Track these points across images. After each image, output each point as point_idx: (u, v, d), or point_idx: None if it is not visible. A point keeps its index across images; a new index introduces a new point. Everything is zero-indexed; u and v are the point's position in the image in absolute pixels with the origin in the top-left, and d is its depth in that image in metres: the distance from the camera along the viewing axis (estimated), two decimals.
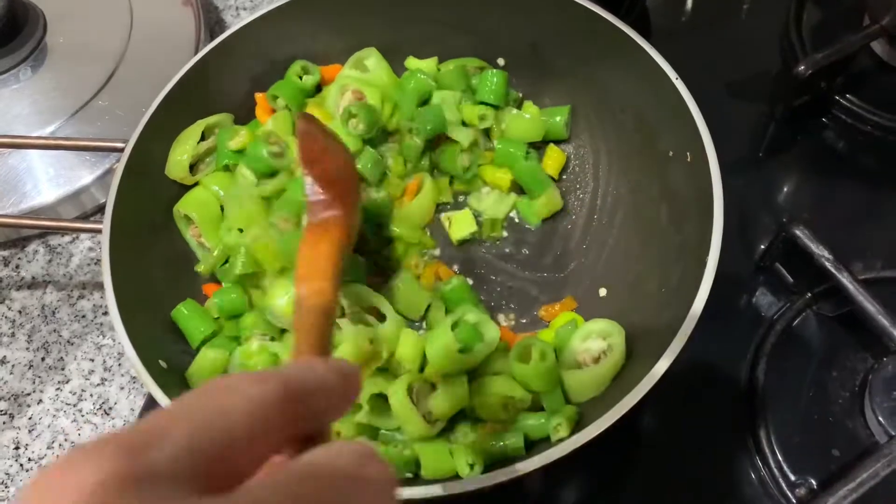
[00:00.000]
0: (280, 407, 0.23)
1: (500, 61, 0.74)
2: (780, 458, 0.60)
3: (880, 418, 0.59)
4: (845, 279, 0.62)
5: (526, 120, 0.70)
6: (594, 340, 0.58)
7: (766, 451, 0.61)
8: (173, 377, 0.55)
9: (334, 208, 0.49)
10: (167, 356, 0.57)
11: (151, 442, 0.20)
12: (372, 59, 0.72)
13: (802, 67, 0.71)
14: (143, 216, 0.63)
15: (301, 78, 0.72)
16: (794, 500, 0.59)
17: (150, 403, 0.67)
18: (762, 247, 0.70)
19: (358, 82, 0.70)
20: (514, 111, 0.70)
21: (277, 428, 0.23)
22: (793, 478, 0.60)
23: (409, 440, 0.55)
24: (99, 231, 0.60)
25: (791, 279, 0.68)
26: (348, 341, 0.56)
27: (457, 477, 0.52)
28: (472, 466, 0.53)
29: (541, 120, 0.70)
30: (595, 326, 0.59)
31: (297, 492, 0.21)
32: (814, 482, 0.59)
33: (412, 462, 0.54)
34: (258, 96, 0.72)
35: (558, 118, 0.70)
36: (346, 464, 0.23)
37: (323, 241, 0.46)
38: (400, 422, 0.54)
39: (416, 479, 0.54)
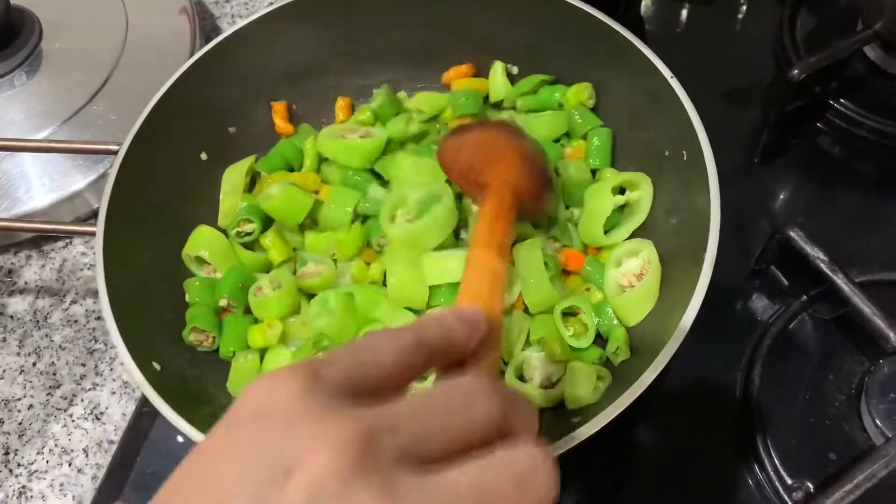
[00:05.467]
0: (414, 350, 0.31)
1: (514, 69, 0.74)
2: (776, 461, 0.60)
3: (877, 420, 0.58)
4: (841, 281, 0.62)
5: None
6: (628, 261, 0.61)
7: (763, 454, 0.60)
8: (167, 379, 0.55)
9: (486, 185, 0.51)
10: (161, 358, 0.56)
11: (323, 368, 0.29)
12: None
13: (796, 71, 0.71)
14: (137, 219, 0.62)
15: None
16: None
17: (142, 408, 0.67)
18: (756, 252, 0.70)
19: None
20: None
21: (413, 366, 0.31)
22: (790, 481, 0.59)
23: None
24: (92, 234, 0.59)
25: (786, 282, 0.68)
26: None
27: None
28: None
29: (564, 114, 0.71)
30: (623, 249, 0.62)
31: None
32: (811, 485, 0.59)
33: None
34: (275, 105, 0.74)
35: (582, 121, 0.70)
36: (510, 477, 0.27)
37: (489, 212, 0.48)
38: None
39: None
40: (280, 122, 0.75)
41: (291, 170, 0.72)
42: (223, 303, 0.64)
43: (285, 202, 0.66)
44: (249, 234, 0.67)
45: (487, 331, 0.36)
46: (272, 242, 0.66)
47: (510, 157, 0.52)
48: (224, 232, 0.68)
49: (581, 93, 0.70)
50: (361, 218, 0.67)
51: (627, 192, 0.65)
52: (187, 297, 0.65)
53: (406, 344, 0.31)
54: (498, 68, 0.73)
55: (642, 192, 0.63)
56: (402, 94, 0.75)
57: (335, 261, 0.66)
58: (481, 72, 0.75)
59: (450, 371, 0.35)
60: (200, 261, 0.66)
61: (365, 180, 0.68)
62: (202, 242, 0.66)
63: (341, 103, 0.76)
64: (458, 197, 0.64)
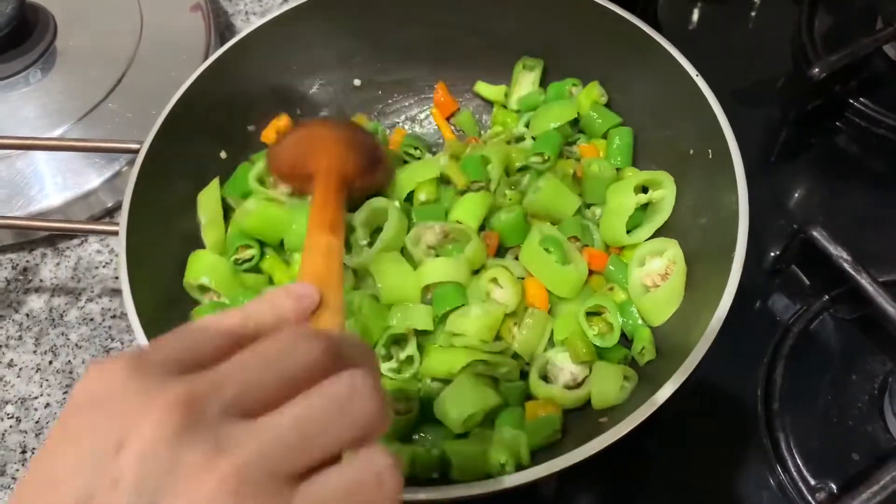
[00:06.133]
0: (240, 327, 0.31)
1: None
2: (799, 462, 0.60)
3: None
4: (864, 281, 0.61)
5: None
6: (653, 261, 0.61)
7: (785, 455, 0.60)
8: None
9: (311, 175, 0.51)
10: None
11: (149, 351, 0.30)
12: None
13: (817, 70, 0.71)
14: (158, 217, 0.62)
15: None
16: None
17: None
18: (776, 252, 0.69)
19: None
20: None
21: (240, 338, 0.31)
22: (812, 482, 0.59)
23: (437, 440, 0.55)
24: (114, 233, 0.59)
25: (808, 282, 0.67)
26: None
27: (487, 477, 0.50)
28: (503, 466, 0.52)
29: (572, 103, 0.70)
30: (647, 248, 0.62)
31: None
32: (834, 486, 0.59)
33: (440, 462, 0.54)
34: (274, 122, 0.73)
35: (601, 121, 0.69)
36: (330, 404, 0.29)
37: (318, 198, 0.48)
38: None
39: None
40: (270, 137, 0.73)
41: None
42: None
43: (261, 219, 0.64)
44: (249, 259, 0.65)
45: (321, 299, 0.36)
46: (273, 265, 0.65)
47: (329, 145, 0.53)
48: None
49: (592, 92, 0.69)
50: None
51: (650, 191, 0.64)
52: None
53: (233, 323, 0.32)
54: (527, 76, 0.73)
55: (665, 191, 0.63)
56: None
57: (354, 271, 0.65)
58: (501, 68, 0.75)
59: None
60: (203, 287, 0.64)
61: None
62: (203, 269, 0.63)
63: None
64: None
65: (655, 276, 0.60)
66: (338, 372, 0.30)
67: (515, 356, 0.59)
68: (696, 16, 0.89)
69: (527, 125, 0.72)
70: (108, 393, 0.28)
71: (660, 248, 0.61)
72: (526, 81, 0.74)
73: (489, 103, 0.77)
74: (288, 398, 0.29)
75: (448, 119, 0.78)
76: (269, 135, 0.73)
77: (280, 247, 0.66)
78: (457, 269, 0.60)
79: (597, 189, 0.66)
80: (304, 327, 0.33)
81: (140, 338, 0.54)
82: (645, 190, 0.65)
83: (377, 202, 0.64)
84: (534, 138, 0.70)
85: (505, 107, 0.75)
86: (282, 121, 0.73)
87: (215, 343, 0.30)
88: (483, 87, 0.76)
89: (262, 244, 0.66)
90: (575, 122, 0.70)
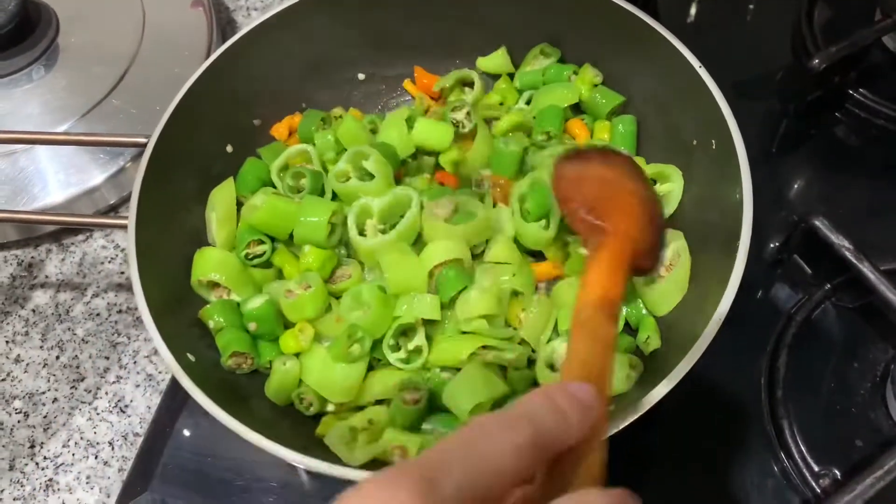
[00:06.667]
0: (530, 452, 0.29)
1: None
2: (802, 449, 0.60)
3: None
4: (866, 269, 0.62)
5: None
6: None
7: (789, 442, 0.60)
8: (202, 370, 0.55)
9: (603, 232, 0.45)
10: (194, 349, 0.56)
11: (438, 476, 0.27)
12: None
13: (816, 61, 0.71)
14: (166, 210, 0.63)
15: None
16: (819, 491, 0.58)
17: (167, 401, 0.67)
18: (777, 242, 0.70)
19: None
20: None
21: (529, 467, 0.29)
22: (816, 468, 0.59)
23: (447, 429, 0.56)
24: (122, 227, 0.59)
25: (810, 271, 0.68)
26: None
27: None
28: None
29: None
30: None
31: None
32: (838, 472, 0.59)
33: None
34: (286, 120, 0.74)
35: (605, 101, 0.70)
36: None
37: (606, 266, 0.43)
38: None
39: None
40: (282, 133, 0.74)
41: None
42: (252, 326, 0.61)
43: (270, 213, 0.64)
44: (260, 255, 0.65)
45: (599, 416, 0.33)
46: (284, 258, 0.65)
47: (635, 208, 0.46)
48: None
49: (586, 75, 0.70)
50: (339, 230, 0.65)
51: (658, 184, 0.65)
52: (210, 325, 0.62)
53: (525, 442, 0.29)
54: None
55: (673, 185, 0.64)
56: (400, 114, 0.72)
57: (361, 263, 0.65)
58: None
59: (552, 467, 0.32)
60: (211, 284, 0.63)
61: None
62: (212, 266, 0.63)
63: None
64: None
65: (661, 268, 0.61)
66: None
67: (523, 343, 0.60)
68: (695, 8, 0.89)
69: (527, 103, 0.72)
70: None
71: (666, 239, 0.62)
72: (537, 65, 0.74)
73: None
74: None
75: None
76: (279, 130, 0.73)
77: (290, 240, 0.66)
78: (457, 246, 0.61)
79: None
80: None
81: (151, 331, 0.54)
82: (654, 182, 0.65)
83: (401, 190, 0.64)
84: (534, 118, 0.71)
85: (511, 78, 0.75)
86: (295, 119, 0.74)
87: (508, 471, 0.28)
88: (486, 62, 0.75)
89: (273, 239, 0.66)
90: (575, 107, 0.71)
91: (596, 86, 0.70)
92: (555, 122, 0.68)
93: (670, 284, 0.59)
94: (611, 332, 0.38)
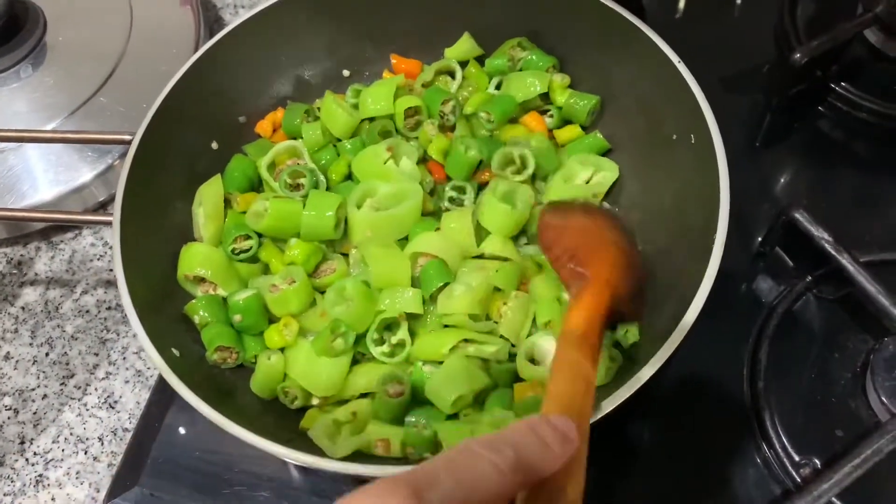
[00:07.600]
0: (512, 475, 0.31)
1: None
2: (784, 439, 0.61)
3: (882, 397, 0.59)
4: (846, 261, 0.63)
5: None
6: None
7: (770, 432, 0.61)
8: (187, 365, 0.55)
9: (584, 278, 0.48)
10: (180, 344, 0.57)
11: (426, 489, 0.28)
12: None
13: (798, 55, 0.72)
14: (151, 207, 0.63)
15: None
16: (799, 480, 0.59)
17: (156, 396, 0.67)
18: (761, 236, 0.71)
19: None
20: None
21: (511, 489, 0.31)
22: (797, 458, 0.60)
23: (429, 421, 0.56)
24: (107, 223, 0.60)
25: (791, 263, 0.69)
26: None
27: None
28: None
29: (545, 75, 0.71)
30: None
31: None
32: (818, 462, 0.60)
33: (432, 443, 0.55)
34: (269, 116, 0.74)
35: (583, 103, 0.70)
36: None
37: (586, 310, 0.45)
38: None
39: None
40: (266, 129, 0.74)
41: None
42: (238, 318, 0.62)
43: (277, 218, 0.64)
44: (246, 250, 0.66)
45: (577, 448, 0.35)
46: (271, 254, 0.66)
47: (615, 257, 0.49)
48: None
49: (553, 82, 0.71)
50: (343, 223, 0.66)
51: (594, 173, 0.68)
52: (196, 320, 0.62)
53: (507, 465, 0.31)
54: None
55: (607, 174, 0.67)
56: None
57: (344, 255, 0.66)
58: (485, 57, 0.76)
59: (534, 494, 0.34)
60: (198, 279, 0.64)
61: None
62: (198, 261, 0.63)
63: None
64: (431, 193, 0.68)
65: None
66: None
67: (503, 337, 0.60)
68: (682, 3, 0.90)
69: (497, 88, 0.73)
70: None
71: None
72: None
73: None
74: None
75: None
76: (264, 127, 0.74)
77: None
78: (441, 244, 0.62)
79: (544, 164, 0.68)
80: None
81: (135, 326, 0.55)
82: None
83: (409, 184, 0.66)
84: None
85: (481, 64, 0.75)
86: (278, 114, 0.74)
87: (492, 490, 0.30)
88: (453, 51, 0.75)
89: (259, 235, 0.67)
90: (545, 97, 0.72)
91: (568, 89, 0.71)
92: (504, 109, 0.70)
93: None
94: (591, 373, 0.40)
